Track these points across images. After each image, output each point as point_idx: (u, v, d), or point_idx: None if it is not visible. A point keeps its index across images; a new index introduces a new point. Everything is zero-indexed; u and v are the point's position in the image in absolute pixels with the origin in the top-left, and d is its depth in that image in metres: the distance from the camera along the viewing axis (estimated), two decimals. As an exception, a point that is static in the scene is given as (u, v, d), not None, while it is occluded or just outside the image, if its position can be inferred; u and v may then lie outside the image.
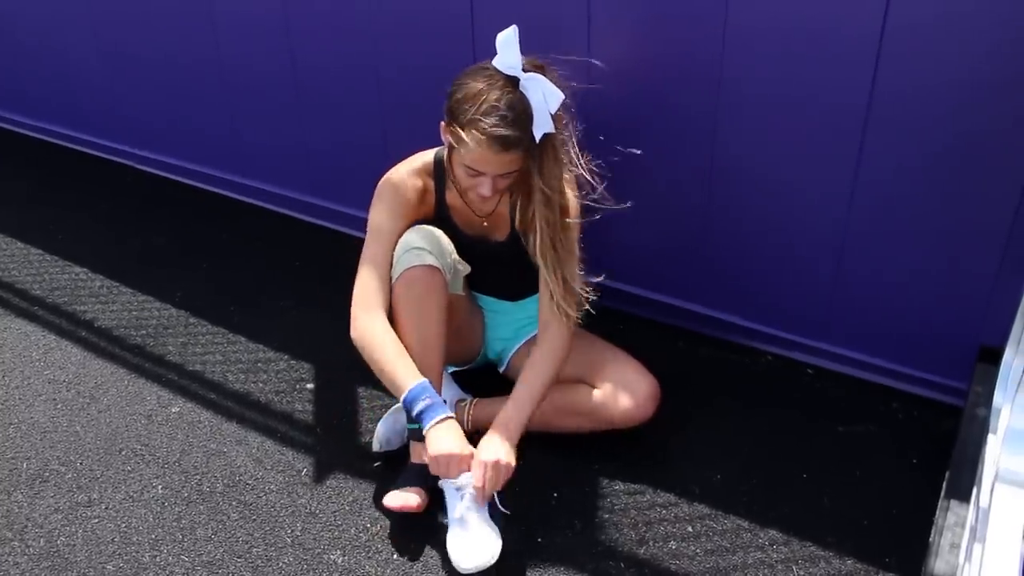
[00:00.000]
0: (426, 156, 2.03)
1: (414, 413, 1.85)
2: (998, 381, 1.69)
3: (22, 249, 2.94)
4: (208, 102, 3.05)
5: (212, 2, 2.84)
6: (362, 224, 2.79)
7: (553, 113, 1.81)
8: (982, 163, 1.91)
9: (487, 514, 1.87)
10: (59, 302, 2.68)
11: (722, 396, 2.24)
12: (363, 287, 1.94)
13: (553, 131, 1.83)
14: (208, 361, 2.42)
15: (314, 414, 2.24)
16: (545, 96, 1.80)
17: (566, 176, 1.93)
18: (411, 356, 1.89)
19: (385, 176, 2.01)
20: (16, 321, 2.60)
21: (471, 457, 1.82)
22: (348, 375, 2.33)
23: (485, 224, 2.06)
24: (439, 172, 2.02)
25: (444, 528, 1.91)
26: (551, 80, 1.82)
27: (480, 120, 1.78)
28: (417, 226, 1.99)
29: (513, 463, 1.84)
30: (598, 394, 2.02)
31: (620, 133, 2.28)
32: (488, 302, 2.21)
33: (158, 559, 1.88)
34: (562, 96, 1.81)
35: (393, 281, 1.93)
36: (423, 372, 1.87)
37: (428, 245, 1.93)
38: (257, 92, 2.91)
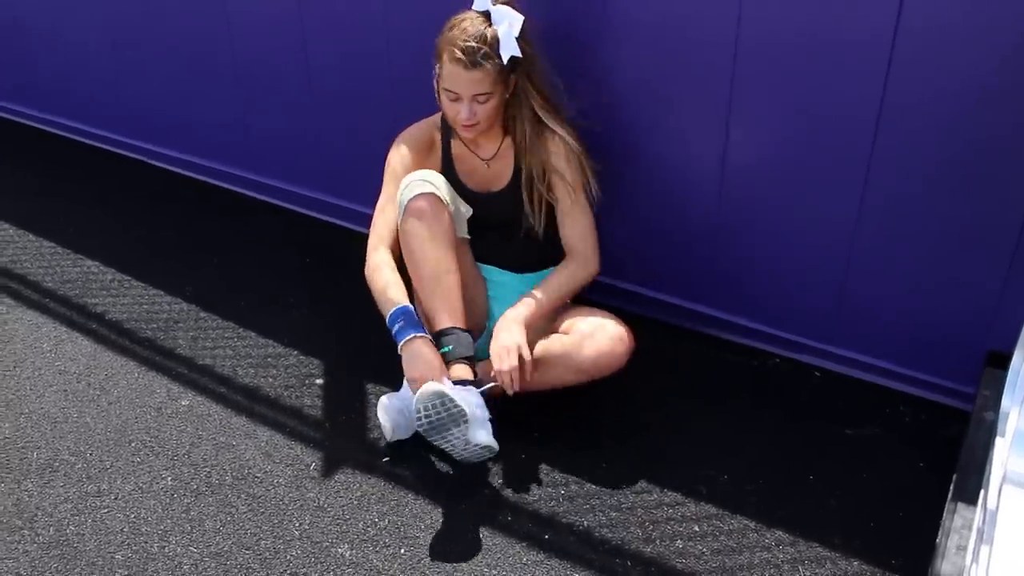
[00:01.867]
0: (437, 114, 2.22)
1: (392, 333, 2.06)
2: (1007, 384, 1.70)
3: (34, 242, 2.96)
4: (221, 98, 3.06)
5: (225, 2, 2.85)
6: (372, 221, 2.82)
7: (517, 36, 2.01)
8: (991, 168, 1.92)
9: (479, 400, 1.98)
10: (70, 295, 2.69)
11: (729, 397, 2.25)
12: (373, 229, 2.20)
13: (520, 55, 2.03)
14: (218, 355, 2.43)
15: (323, 409, 2.25)
16: (511, 23, 2.02)
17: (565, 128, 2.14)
18: (428, 282, 2.05)
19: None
20: (27, 313, 2.61)
21: (439, 371, 1.98)
22: (357, 371, 2.35)
23: (488, 167, 2.17)
24: (446, 125, 2.20)
25: (449, 523, 1.93)
26: (517, 10, 2.04)
27: (452, 41, 2.02)
28: (415, 171, 2.15)
29: (519, 341, 2.02)
30: (569, 340, 2.07)
31: (631, 135, 2.29)
32: (490, 272, 2.26)
33: (167, 550, 1.89)
34: (522, 18, 2.02)
35: (400, 214, 2.09)
36: (440, 295, 2.05)
37: (431, 179, 2.09)
38: (270, 89, 2.93)
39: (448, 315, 2.05)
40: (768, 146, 2.14)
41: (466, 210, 2.17)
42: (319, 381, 2.34)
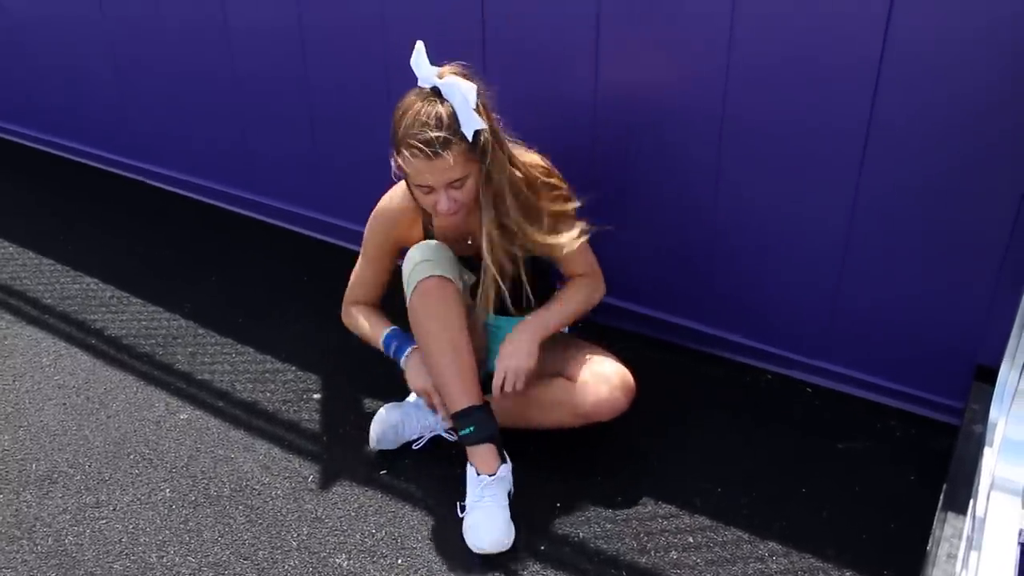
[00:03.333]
0: None
1: (391, 354, 2.13)
2: (994, 395, 1.74)
3: (33, 259, 2.99)
4: (220, 119, 3.10)
5: (227, 24, 2.90)
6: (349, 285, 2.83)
7: (475, 107, 1.85)
8: (977, 186, 1.96)
9: (504, 502, 1.95)
10: (69, 311, 2.71)
11: (723, 413, 2.27)
12: (348, 290, 2.26)
13: (484, 126, 1.88)
14: (216, 371, 2.45)
15: (321, 423, 2.27)
16: (464, 95, 1.85)
17: (522, 154, 2.03)
18: (444, 362, 1.99)
19: (379, 202, 2.15)
20: (27, 328, 2.63)
21: (471, 444, 1.98)
22: (354, 386, 2.37)
23: (469, 243, 2.10)
24: None
25: (446, 534, 1.95)
26: (467, 79, 1.87)
27: (407, 134, 1.86)
28: (421, 243, 2.08)
29: (531, 365, 2.01)
30: (572, 385, 2.05)
31: (627, 157, 2.34)
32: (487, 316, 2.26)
33: (165, 559, 1.90)
34: (475, 87, 1.85)
35: (408, 297, 2.02)
36: (458, 374, 1.99)
37: (435, 257, 2.01)
38: (269, 110, 2.97)
39: (465, 395, 1.98)
40: (760, 166, 2.18)
41: (468, 278, 2.10)
42: (316, 396, 2.36)
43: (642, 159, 2.33)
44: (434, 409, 2.08)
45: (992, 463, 1.63)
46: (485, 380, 2.18)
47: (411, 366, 2.08)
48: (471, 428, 1.97)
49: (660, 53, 2.19)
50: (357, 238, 2.90)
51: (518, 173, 1.98)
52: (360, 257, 2.23)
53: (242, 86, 2.99)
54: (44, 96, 3.63)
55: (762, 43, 2.06)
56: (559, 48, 2.29)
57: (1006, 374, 1.69)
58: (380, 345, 2.15)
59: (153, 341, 2.57)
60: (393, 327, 2.15)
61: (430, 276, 1.98)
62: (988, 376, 1.93)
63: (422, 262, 2.00)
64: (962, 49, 1.86)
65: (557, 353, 2.13)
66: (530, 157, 2.05)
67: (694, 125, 2.21)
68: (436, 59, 2.54)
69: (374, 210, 2.16)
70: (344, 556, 1.90)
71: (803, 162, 2.13)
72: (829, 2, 1.95)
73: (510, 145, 1.99)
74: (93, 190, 3.44)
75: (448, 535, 1.95)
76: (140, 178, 3.46)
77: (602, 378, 2.03)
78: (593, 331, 2.45)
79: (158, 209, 3.29)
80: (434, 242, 2.07)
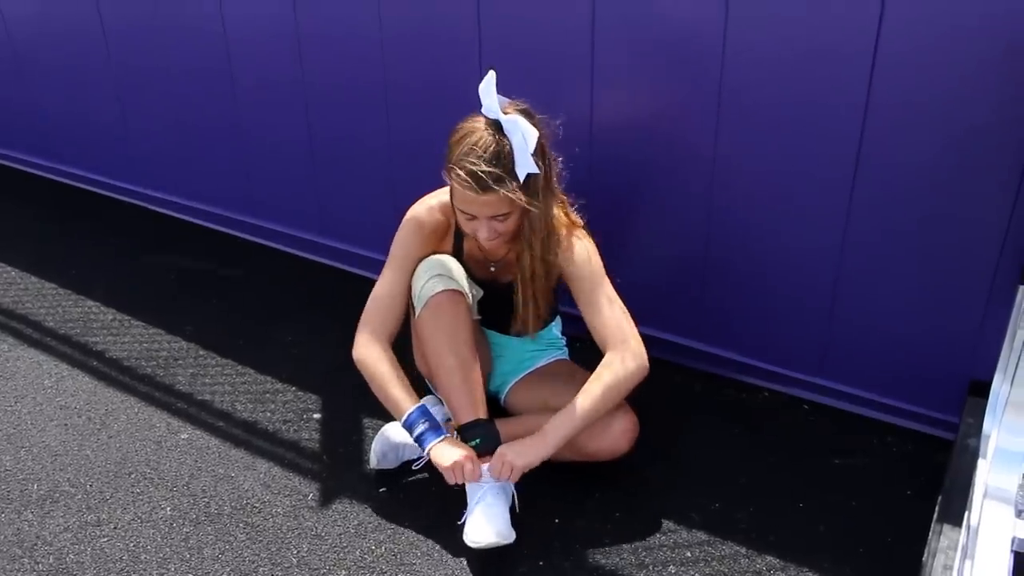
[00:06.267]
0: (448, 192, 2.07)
1: (413, 436, 2.00)
2: (987, 407, 1.76)
3: (36, 283, 3.01)
4: (222, 146, 3.14)
5: (231, 59, 2.94)
6: (369, 263, 2.87)
7: (532, 152, 1.84)
8: (967, 207, 1.99)
9: (505, 507, 1.95)
10: (71, 333, 2.73)
11: (720, 429, 2.29)
12: (369, 311, 2.08)
13: (537, 172, 1.86)
14: (217, 391, 2.47)
15: (320, 442, 2.28)
16: (524, 136, 1.84)
17: (577, 230, 2.03)
18: (452, 376, 1.99)
19: (412, 207, 2.09)
20: (29, 351, 2.65)
21: (477, 457, 1.95)
22: (354, 406, 2.38)
23: (492, 269, 2.14)
24: None
25: (444, 550, 1.96)
26: (532, 122, 1.87)
27: (462, 160, 1.85)
28: (429, 257, 2.08)
29: (522, 464, 1.92)
30: None
31: (625, 185, 2.37)
32: (491, 335, 2.28)
33: (166, 577, 1.91)
34: (536, 133, 1.85)
35: (418, 311, 2.03)
36: (466, 388, 1.99)
37: (445, 272, 2.03)
38: (270, 138, 3.00)
39: (472, 408, 1.99)
40: (754, 192, 2.22)
41: (476, 292, 2.12)
42: (316, 415, 2.38)
43: (642, 186, 2.36)
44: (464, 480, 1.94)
45: (986, 473, 1.64)
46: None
47: (438, 454, 1.95)
48: (478, 440, 1.98)
49: (653, 87, 2.24)
50: (358, 261, 2.96)
51: (560, 217, 2.01)
52: (384, 271, 2.08)
53: (244, 113, 3.03)
54: (47, 123, 3.68)
55: (753, 87, 2.10)
56: (554, 79, 2.33)
57: (998, 385, 1.71)
58: (399, 415, 2.00)
59: (154, 363, 2.59)
60: (420, 405, 2.00)
61: (443, 291, 2.00)
62: (982, 391, 1.95)
63: (435, 276, 2.01)
64: (950, 79, 1.90)
65: (564, 387, 2.08)
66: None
67: (687, 151, 2.25)
68: (430, 87, 2.58)
69: (407, 215, 2.08)
70: (344, 572, 1.91)
71: (797, 184, 2.16)
72: (817, 34, 1.99)
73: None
74: (94, 214, 3.48)
75: (447, 551, 1.95)
76: (142, 204, 3.50)
77: (607, 423, 2.02)
78: (592, 350, 2.47)
79: (159, 234, 3.32)
80: (445, 256, 2.08)
